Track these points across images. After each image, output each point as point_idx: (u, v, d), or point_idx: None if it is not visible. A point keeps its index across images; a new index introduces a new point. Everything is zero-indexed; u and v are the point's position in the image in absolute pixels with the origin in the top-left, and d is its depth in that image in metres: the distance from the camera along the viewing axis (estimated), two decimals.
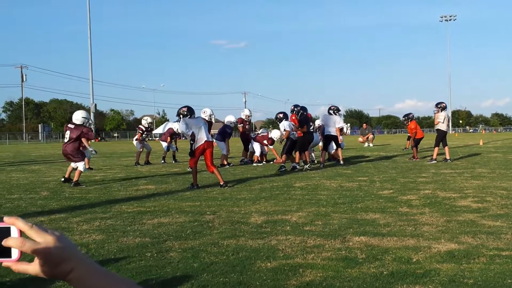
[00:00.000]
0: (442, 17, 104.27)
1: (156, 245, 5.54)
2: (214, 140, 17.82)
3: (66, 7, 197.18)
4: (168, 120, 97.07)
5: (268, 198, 9.05)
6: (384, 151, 25.47)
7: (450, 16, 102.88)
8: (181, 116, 11.01)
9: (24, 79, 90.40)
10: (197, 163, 11.04)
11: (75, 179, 11.34)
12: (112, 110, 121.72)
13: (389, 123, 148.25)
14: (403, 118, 20.79)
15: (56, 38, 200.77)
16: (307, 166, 14.88)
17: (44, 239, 0.94)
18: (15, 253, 0.90)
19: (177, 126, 16.39)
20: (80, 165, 11.45)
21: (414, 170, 14.03)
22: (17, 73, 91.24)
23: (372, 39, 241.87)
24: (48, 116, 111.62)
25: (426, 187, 10.22)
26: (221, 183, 10.76)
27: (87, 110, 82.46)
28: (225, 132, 17.70)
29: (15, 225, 0.91)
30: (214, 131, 20.04)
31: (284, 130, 15.56)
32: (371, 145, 31.93)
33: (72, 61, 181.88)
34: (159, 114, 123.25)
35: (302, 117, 15.11)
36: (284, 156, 15.15)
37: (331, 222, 6.65)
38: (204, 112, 15.67)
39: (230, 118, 18.07)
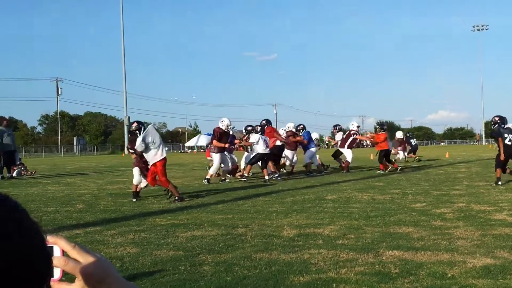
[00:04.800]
0: (474, 27, 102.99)
1: (189, 258, 5.59)
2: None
3: (100, 22, 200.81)
4: (200, 133, 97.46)
5: (300, 211, 9.05)
6: (416, 163, 25.18)
7: (482, 26, 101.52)
8: (137, 132, 11.13)
9: (60, 93, 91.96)
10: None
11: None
12: (145, 122, 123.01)
13: (421, 135, 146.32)
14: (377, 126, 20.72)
15: (91, 52, 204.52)
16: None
17: (86, 260, 0.96)
18: (57, 272, 0.90)
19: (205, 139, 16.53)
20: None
21: (447, 183, 13.84)
22: (53, 86, 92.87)
23: (403, 49, 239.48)
24: (83, 129, 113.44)
25: (460, 200, 10.08)
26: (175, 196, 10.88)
27: (121, 123, 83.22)
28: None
29: (58, 244, 0.92)
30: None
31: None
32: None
33: (106, 75, 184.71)
34: (191, 126, 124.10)
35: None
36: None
37: (363, 236, 6.61)
38: (222, 121, 15.52)
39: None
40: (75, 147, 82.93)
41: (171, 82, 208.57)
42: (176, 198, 10.80)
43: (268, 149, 16.17)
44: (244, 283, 4.61)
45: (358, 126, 20.87)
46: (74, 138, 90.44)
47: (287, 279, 4.70)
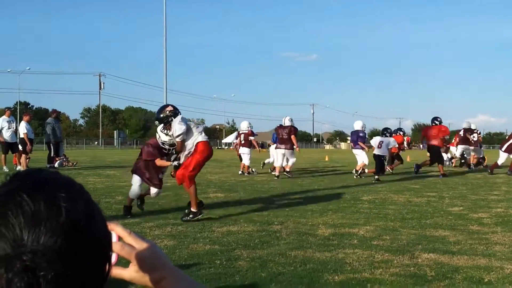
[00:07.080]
0: None
1: (225, 253, 5.68)
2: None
3: (143, 19, 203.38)
4: (237, 130, 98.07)
5: (336, 210, 9.05)
6: (454, 166, 24.73)
7: None
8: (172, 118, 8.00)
9: (102, 87, 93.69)
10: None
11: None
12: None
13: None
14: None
15: (133, 48, 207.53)
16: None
17: (141, 246, 1.02)
18: (112, 257, 0.94)
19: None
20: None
21: (485, 187, 13.60)
22: (96, 80, 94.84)
23: (442, 54, 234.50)
24: (123, 123, 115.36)
25: (498, 205, 9.91)
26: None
27: None
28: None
29: (114, 230, 0.98)
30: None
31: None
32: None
33: (147, 70, 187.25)
34: (228, 123, 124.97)
35: None
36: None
37: (399, 238, 6.59)
38: (290, 119, 17.24)
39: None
40: (115, 140, 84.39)
41: (210, 80, 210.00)
42: (192, 213, 7.87)
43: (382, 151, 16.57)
44: (279, 279, 4.67)
45: None
46: (115, 131, 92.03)
47: (321, 277, 4.74)
